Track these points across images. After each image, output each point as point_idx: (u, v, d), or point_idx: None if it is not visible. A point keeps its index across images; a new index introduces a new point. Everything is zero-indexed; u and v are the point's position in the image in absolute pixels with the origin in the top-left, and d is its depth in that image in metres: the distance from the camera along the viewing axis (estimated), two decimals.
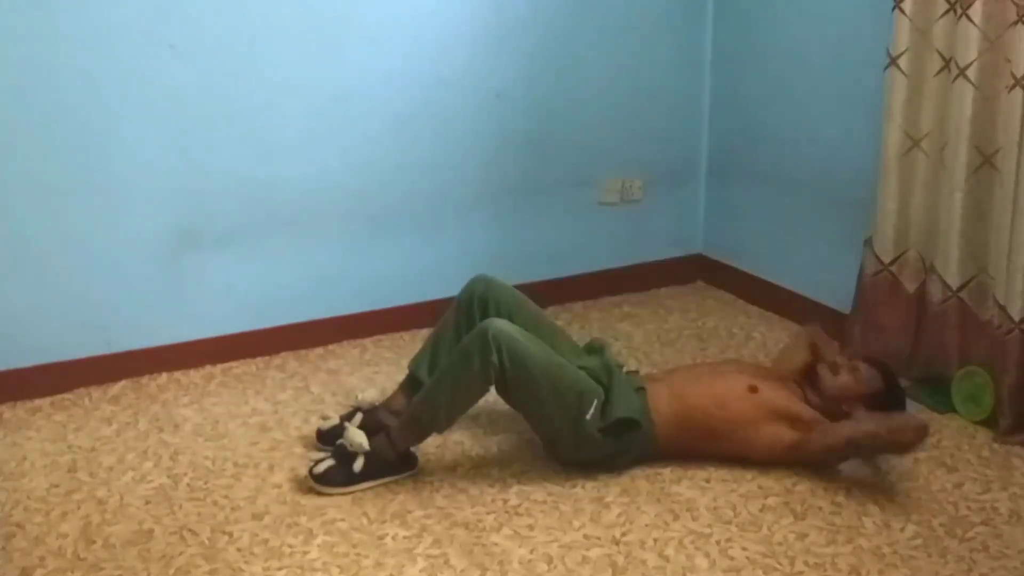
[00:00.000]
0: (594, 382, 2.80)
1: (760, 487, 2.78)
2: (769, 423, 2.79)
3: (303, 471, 2.81)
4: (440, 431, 2.81)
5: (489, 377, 2.69)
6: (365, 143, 3.58)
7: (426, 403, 2.76)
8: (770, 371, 3.04)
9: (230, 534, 2.59)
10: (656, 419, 2.80)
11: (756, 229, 4.05)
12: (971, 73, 2.98)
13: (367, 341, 3.71)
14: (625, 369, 3.01)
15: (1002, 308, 3.00)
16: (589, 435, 2.74)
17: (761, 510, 2.68)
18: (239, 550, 2.52)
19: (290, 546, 2.54)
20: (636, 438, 2.79)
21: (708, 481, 2.81)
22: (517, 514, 2.67)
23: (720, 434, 2.81)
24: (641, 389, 2.85)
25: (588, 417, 2.73)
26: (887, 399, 2.88)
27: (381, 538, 2.57)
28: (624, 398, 2.79)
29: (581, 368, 2.84)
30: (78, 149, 3.18)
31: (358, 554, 2.51)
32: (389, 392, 3.05)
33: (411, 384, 2.95)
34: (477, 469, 2.88)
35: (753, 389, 2.81)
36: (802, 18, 3.71)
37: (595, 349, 3.01)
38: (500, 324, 2.72)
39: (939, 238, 3.18)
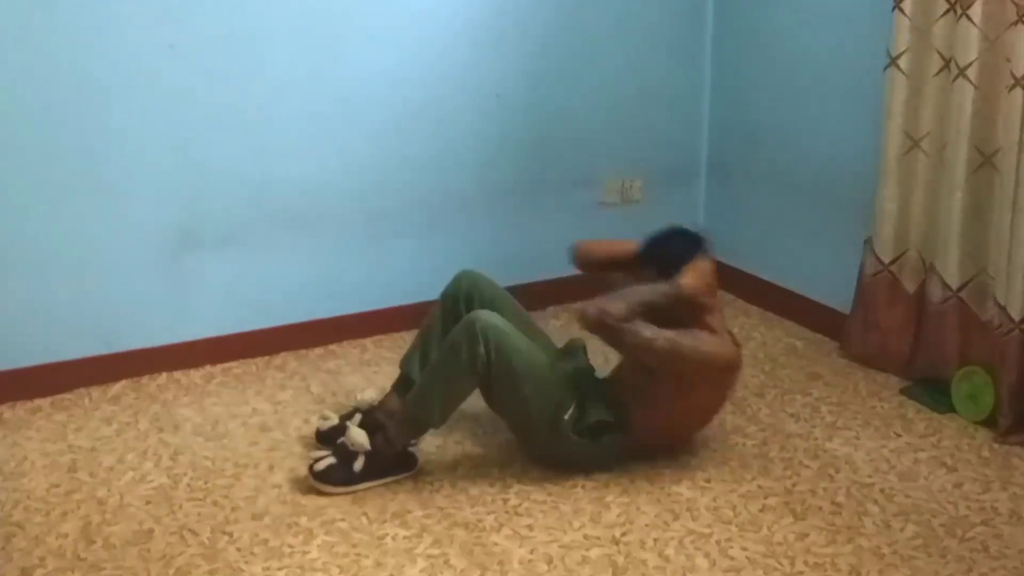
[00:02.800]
0: (571, 385, 2.82)
1: (760, 487, 2.78)
2: (670, 391, 2.77)
3: (303, 471, 2.81)
4: (436, 426, 2.81)
5: (477, 368, 2.69)
6: (365, 143, 3.58)
7: (420, 399, 2.77)
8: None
9: (230, 534, 2.58)
10: (627, 419, 2.81)
11: (756, 229, 4.05)
12: (971, 73, 2.98)
13: (367, 341, 3.71)
14: (597, 373, 3.03)
15: (1002, 308, 3.00)
16: (565, 436, 2.76)
17: (761, 510, 2.68)
18: (239, 550, 2.52)
19: (290, 546, 2.54)
20: (612, 440, 2.80)
21: (708, 481, 2.81)
22: (517, 514, 2.67)
23: (662, 416, 2.81)
24: (612, 391, 2.87)
25: (566, 418, 2.74)
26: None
27: (381, 538, 2.57)
28: (599, 401, 2.81)
29: (560, 370, 2.86)
30: (78, 149, 3.18)
31: (358, 554, 2.51)
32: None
33: (404, 383, 2.96)
34: (477, 469, 2.88)
35: (637, 368, 2.80)
36: (802, 18, 3.71)
37: (572, 350, 3.02)
38: (487, 316, 2.75)
39: (939, 238, 3.18)
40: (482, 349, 2.68)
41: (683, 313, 2.74)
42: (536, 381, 2.74)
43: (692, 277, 2.74)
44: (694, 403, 2.83)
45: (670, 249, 2.81)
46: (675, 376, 2.74)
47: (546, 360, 2.82)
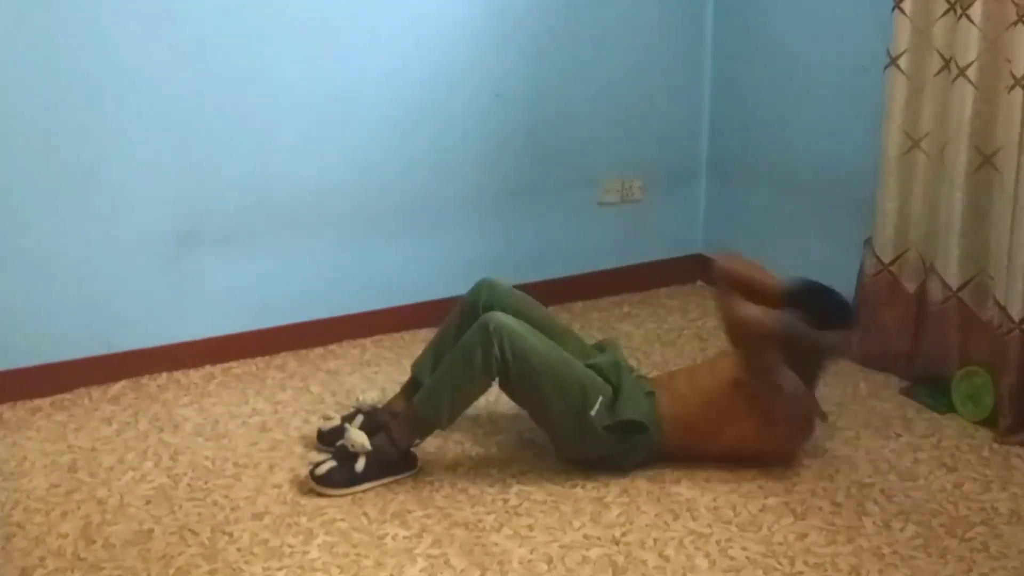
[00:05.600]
0: (601, 380, 2.80)
1: (760, 487, 2.78)
2: (752, 417, 2.77)
3: (303, 471, 2.81)
4: (442, 427, 2.80)
5: (491, 370, 2.69)
6: (365, 143, 3.58)
7: (428, 399, 2.76)
8: None
9: (230, 534, 2.58)
10: (663, 425, 2.79)
11: (756, 229, 4.05)
12: (971, 73, 2.98)
13: (367, 341, 3.72)
14: (635, 373, 3.01)
15: (1002, 308, 3.00)
16: (594, 430, 2.74)
17: (761, 510, 2.68)
18: (239, 550, 2.52)
19: (290, 546, 2.54)
20: (642, 441, 2.79)
21: (708, 481, 2.81)
22: (517, 514, 2.67)
23: (716, 435, 2.81)
24: (651, 393, 2.84)
25: (593, 413, 2.72)
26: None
27: (381, 538, 2.57)
28: (634, 400, 2.79)
29: (590, 366, 2.83)
30: (78, 149, 3.19)
31: (358, 554, 2.51)
32: (390, 392, 3.05)
33: (413, 387, 2.94)
34: (477, 469, 2.88)
35: (737, 384, 2.78)
36: (802, 18, 3.71)
37: (605, 348, 3.02)
38: (501, 317, 2.73)
39: (939, 238, 3.18)
40: (496, 350, 2.67)
41: (802, 364, 2.76)
42: (556, 377, 2.72)
43: (841, 342, 2.81)
44: (748, 439, 2.80)
45: (826, 306, 2.80)
46: (759, 412, 2.75)
47: (567, 357, 2.79)
